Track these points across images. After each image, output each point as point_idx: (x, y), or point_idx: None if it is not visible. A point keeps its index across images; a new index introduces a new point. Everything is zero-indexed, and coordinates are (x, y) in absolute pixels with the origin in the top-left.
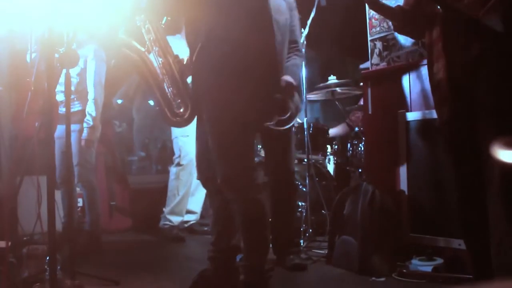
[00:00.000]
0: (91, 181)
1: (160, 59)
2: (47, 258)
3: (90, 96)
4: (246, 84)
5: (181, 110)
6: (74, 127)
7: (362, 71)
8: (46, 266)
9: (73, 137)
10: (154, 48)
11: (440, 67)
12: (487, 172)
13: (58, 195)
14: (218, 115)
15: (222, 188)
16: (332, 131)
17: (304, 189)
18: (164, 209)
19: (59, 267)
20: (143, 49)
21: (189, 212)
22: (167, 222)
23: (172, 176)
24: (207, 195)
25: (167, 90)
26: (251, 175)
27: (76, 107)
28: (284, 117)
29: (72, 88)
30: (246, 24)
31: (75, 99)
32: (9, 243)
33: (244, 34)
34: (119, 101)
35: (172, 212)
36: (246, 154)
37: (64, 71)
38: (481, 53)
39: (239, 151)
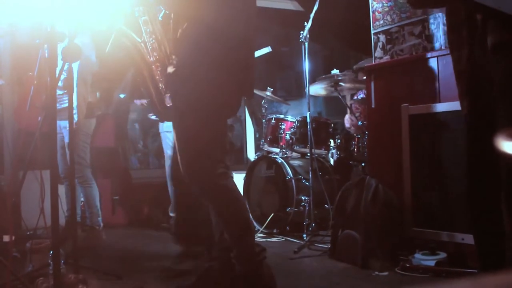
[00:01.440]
0: (88, 177)
1: (155, 53)
2: (51, 252)
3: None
4: (226, 75)
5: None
6: (64, 123)
7: (366, 65)
8: (49, 260)
9: (65, 134)
10: (150, 40)
11: (464, 56)
12: (503, 167)
13: (61, 189)
14: (190, 105)
15: (186, 180)
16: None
17: (307, 183)
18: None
19: (62, 261)
20: (139, 40)
21: None
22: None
23: (167, 172)
24: None
25: (159, 83)
26: (216, 166)
27: (65, 103)
28: None
29: (60, 84)
30: (231, 13)
31: (63, 95)
32: (13, 238)
33: (228, 24)
34: (122, 95)
35: (173, 209)
36: (213, 146)
37: (61, 65)
38: (498, 45)
39: (205, 143)
